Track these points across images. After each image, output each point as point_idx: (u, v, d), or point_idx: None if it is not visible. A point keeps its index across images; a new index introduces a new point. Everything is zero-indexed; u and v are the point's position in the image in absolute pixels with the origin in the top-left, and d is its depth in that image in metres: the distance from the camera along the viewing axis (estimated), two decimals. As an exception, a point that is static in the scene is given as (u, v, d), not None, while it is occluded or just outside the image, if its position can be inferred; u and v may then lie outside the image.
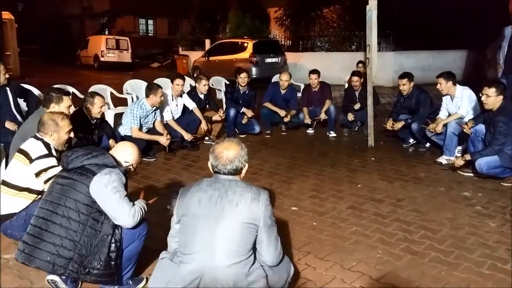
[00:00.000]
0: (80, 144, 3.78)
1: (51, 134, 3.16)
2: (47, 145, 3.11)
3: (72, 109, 4.07)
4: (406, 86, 6.07)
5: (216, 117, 6.71)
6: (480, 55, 11.34)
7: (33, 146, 3.09)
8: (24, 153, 3.06)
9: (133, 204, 2.57)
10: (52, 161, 3.05)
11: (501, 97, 4.65)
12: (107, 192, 2.47)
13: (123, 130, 5.59)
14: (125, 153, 2.78)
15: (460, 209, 4.08)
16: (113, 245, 2.51)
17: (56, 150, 3.15)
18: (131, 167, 2.78)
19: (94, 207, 2.49)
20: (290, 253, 3.20)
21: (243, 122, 7.05)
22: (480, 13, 12.44)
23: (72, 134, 3.30)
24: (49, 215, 2.50)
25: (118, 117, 6.59)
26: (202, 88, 6.69)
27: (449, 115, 5.63)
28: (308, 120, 7.26)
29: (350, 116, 7.29)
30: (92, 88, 7.40)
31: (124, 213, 2.49)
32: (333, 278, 2.91)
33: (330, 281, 2.88)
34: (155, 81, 6.94)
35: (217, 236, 2.14)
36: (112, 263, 2.51)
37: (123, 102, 7.88)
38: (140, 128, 5.63)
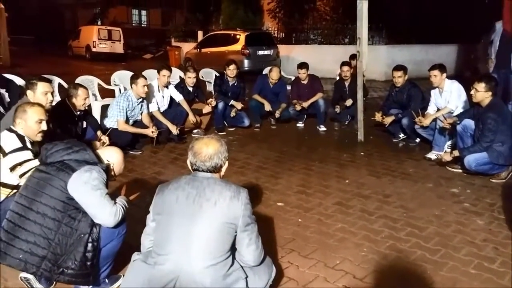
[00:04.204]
0: (63, 137, 3.62)
1: (18, 122, 3.00)
2: (21, 138, 2.98)
3: (50, 96, 3.89)
4: (401, 79, 6.03)
5: (207, 109, 6.62)
6: (473, 50, 11.29)
7: (6, 139, 2.96)
8: None
9: (115, 203, 2.48)
10: (27, 154, 2.93)
11: (489, 93, 4.58)
12: (87, 189, 2.36)
13: (108, 122, 5.47)
14: (110, 154, 2.72)
15: (448, 206, 4.03)
16: (90, 244, 2.40)
17: (32, 143, 3.02)
18: (111, 166, 2.68)
19: (71, 204, 2.38)
20: (273, 250, 3.13)
21: (232, 115, 6.94)
22: (472, 7, 12.39)
23: (44, 126, 3.08)
24: (23, 211, 2.39)
25: (105, 108, 6.46)
26: (188, 80, 6.59)
27: (438, 110, 5.57)
28: (298, 106, 7.10)
29: (337, 108, 7.25)
30: (79, 79, 7.25)
31: (105, 212, 2.39)
32: (316, 277, 2.84)
33: (312, 280, 2.81)
34: (143, 73, 6.82)
35: (194, 236, 2.06)
36: (88, 263, 2.40)
37: (111, 94, 7.75)
38: (127, 121, 5.52)
